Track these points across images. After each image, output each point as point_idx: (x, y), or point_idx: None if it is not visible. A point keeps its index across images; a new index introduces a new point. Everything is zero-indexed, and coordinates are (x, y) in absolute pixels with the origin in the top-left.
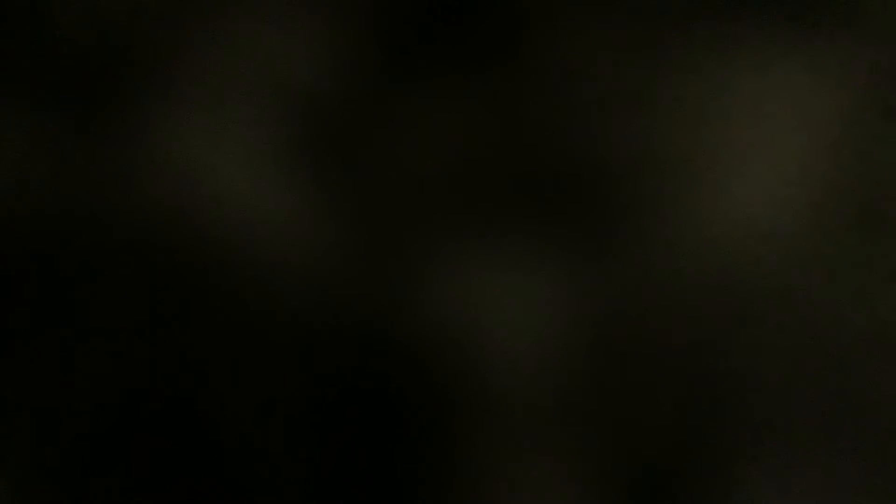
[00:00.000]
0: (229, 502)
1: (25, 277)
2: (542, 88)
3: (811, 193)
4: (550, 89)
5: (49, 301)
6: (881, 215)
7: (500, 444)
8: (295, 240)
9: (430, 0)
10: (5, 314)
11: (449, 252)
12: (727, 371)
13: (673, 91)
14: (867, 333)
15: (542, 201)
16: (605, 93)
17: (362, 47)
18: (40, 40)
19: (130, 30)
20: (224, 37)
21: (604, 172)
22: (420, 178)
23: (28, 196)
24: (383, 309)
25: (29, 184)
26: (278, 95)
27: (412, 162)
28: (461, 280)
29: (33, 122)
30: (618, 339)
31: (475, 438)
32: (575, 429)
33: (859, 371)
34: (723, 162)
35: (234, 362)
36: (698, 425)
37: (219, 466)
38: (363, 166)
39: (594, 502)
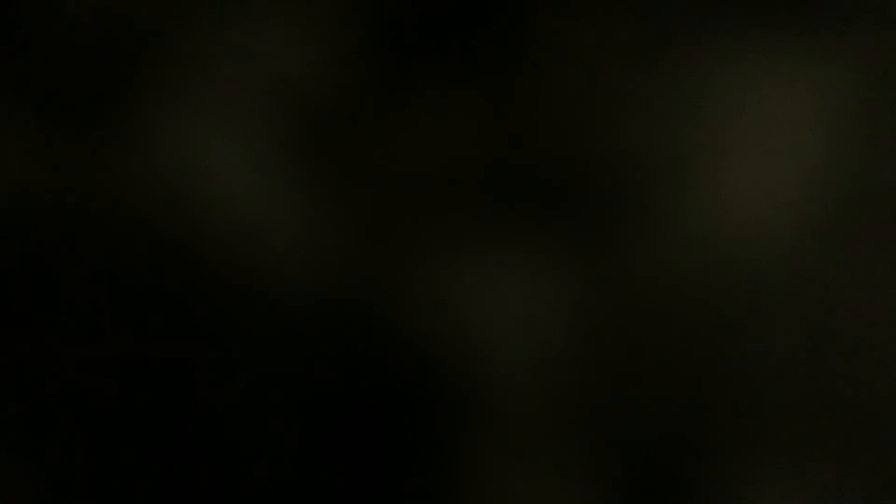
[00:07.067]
0: (229, 502)
1: (26, 277)
2: (542, 88)
3: (810, 193)
4: (550, 89)
5: (49, 300)
6: (880, 214)
7: (498, 443)
8: (294, 240)
9: (429, 0)
10: (6, 313)
11: (448, 252)
12: (726, 371)
13: (671, 92)
14: (867, 333)
15: (541, 202)
16: (603, 93)
17: (362, 48)
18: (40, 40)
19: (130, 30)
20: (223, 37)
21: (603, 173)
22: (419, 178)
23: (27, 196)
24: (381, 309)
25: (28, 183)
26: (277, 95)
27: (411, 162)
28: (460, 280)
29: (33, 123)
30: (617, 339)
31: (474, 438)
32: (573, 429)
33: (858, 371)
34: (722, 162)
35: (234, 361)
36: (697, 425)
37: (218, 465)
38: (363, 166)
39: (592, 502)
